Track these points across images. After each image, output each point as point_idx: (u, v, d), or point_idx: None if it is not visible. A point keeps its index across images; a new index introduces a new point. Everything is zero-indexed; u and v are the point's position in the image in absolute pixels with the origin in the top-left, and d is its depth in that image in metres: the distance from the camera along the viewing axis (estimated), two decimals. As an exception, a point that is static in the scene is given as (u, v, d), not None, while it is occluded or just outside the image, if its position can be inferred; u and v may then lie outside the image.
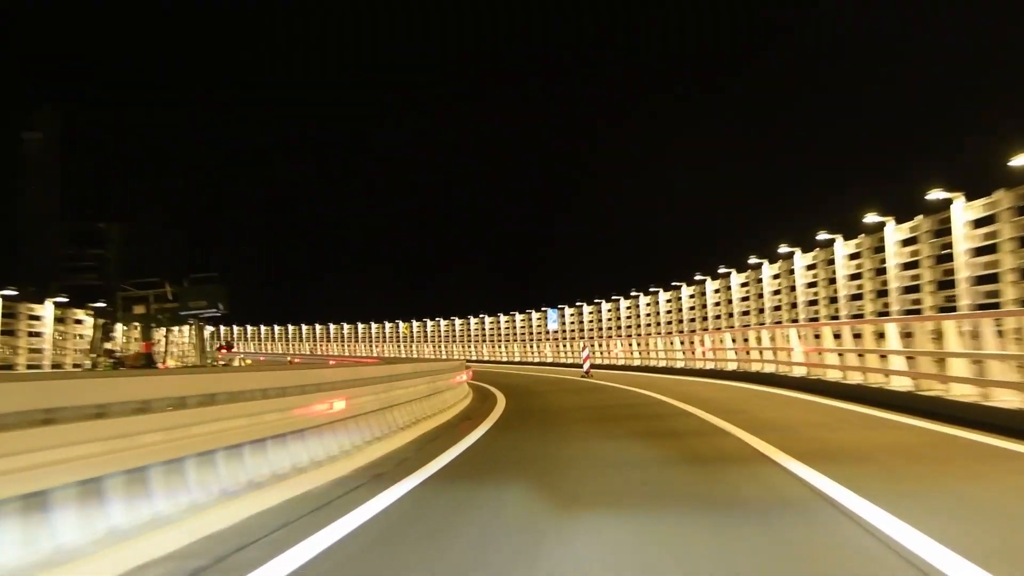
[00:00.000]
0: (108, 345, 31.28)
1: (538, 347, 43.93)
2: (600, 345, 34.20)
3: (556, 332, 44.40)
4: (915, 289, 14.48)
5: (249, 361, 46.58)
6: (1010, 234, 11.61)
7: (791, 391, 14.48)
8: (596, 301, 38.89)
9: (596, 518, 5.03)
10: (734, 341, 20.37)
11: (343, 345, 71.58)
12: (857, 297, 16.81)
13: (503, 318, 51.94)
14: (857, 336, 13.20)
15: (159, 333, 35.87)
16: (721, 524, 4.77)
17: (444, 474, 6.86)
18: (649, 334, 31.43)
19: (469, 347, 53.54)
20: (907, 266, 14.75)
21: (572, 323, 42.85)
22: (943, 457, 7.02)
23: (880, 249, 15.68)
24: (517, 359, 44.90)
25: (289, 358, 59.37)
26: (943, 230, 13.46)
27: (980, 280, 12.49)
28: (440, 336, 59.85)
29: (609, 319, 37.57)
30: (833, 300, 17.93)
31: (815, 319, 18.18)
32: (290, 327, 79.69)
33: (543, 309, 46.56)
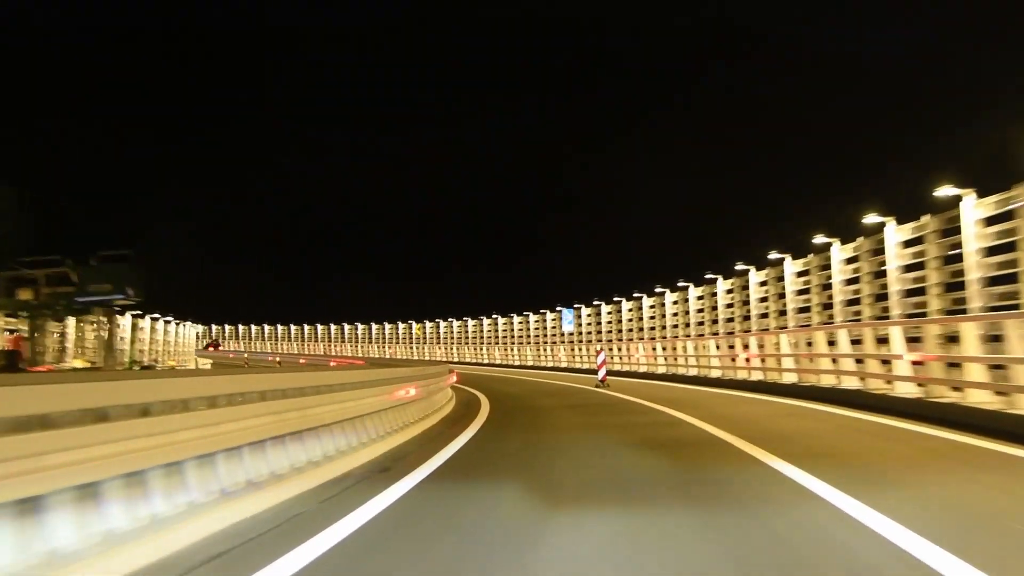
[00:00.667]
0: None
1: (551, 351, 40.04)
2: (619, 349, 29.96)
3: (572, 334, 40.64)
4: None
5: (174, 363, 42.28)
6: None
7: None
8: (616, 300, 34.73)
9: None
10: (799, 345, 15.86)
11: (333, 346, 70.90)
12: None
13: (516, 319, 48.76)
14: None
15: (56, 324, 30.59)
16: None
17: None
18: (675, 336, 27.15)
19: (481, 350, 50.89)
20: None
21: (589, 324, 38.74)
22: None
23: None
24: (530, 363, 41.77)
25: (272, 358, 57.75)
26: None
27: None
28: (452, 338, 57.92)
29: (630, 319, 33.33)
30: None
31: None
32: (291, 327, 79.64)
33: (558, 309, 42.57)
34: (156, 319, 51.13)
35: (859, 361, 12.62)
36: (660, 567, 3.89)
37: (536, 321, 46.17)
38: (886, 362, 11.59)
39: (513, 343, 47.93)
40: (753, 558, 3.98)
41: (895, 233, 14.73)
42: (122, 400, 4.22)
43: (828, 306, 18.36)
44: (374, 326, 67.22)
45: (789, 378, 15.32)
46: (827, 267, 18.22)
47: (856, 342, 12.86)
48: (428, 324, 60.96)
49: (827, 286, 18.32)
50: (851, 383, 12.76)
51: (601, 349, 22.44)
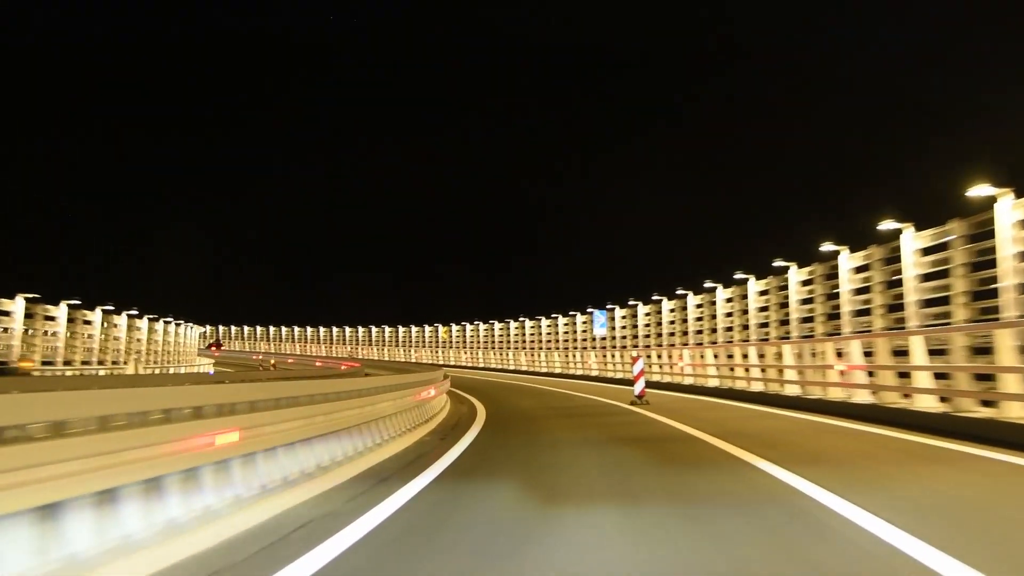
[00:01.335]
0: None
1: (581, 356, 35.11)
2: (658, 356, 25.21)
3: (603, 339, 35.53)
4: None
5: (134, 366, 38.38)
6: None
7: None
8: (655, 299, 29.91)
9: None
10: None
11: (335, 347, 70.21)
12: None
13: (545, 322, 43.92)
14: None
15: None
16: None
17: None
18: (728, 341, 22.36)
19: (506, 355, 46.66)
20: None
21: (623, 327, 33.95)
22: None
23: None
24: (557, 370, 36.85)
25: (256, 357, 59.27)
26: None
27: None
28: (479, 342, 53.27)
29: (671, 320, 28.48)
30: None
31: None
32: (295, 328, 79.45)
33: (588, 310, 37.71)
34: (154, 319, 47.60)
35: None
36: None
37: (565, 324, 41.29)
38: None
39: (540, 348, 43.32)
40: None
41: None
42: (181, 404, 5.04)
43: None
44: (374, 329, 67.24)
45: (925, 402, 10.58)
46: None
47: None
48: (455, 327, 56.89)
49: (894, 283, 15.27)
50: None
51: (639, 356, 17.75)
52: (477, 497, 6.17)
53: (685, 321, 27.09)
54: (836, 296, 16.91)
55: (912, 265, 13.53)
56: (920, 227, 13.60)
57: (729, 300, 23.18)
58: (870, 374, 12.51)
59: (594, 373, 31.38)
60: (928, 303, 13.26)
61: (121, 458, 4.12)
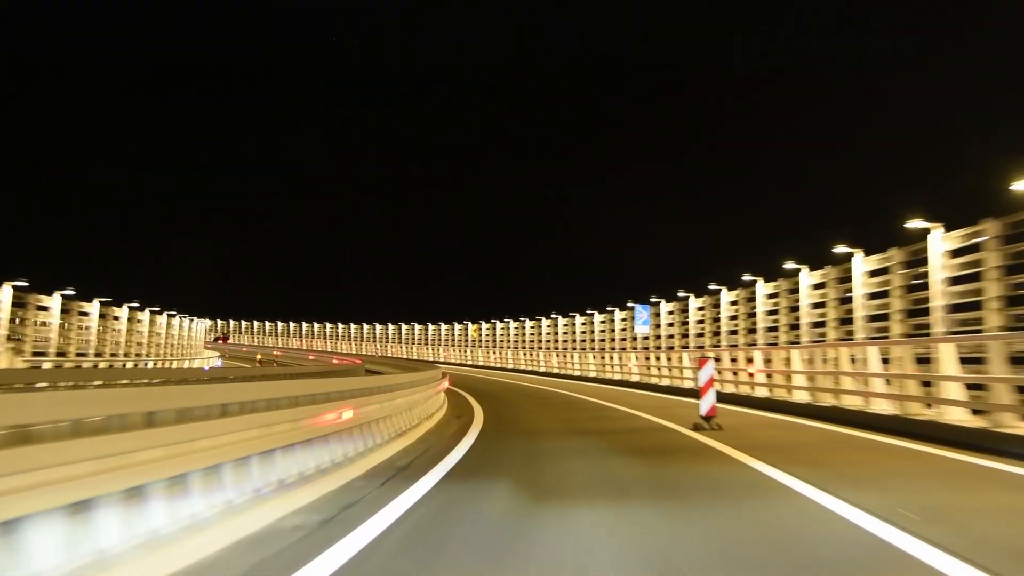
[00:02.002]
0: None
1: (620, 359, 30.51)
2: (718, 360, 19.98)
3: (646, 338, 31.43)
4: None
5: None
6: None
7: None
8: (713, 289, 24.91)
9: None
10: None
11: (341, 343, 70.54)
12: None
13: (579, 320, 39.53)
14: None
15: None
16: None
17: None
18: (819, 341, 17.31)
19: (536, 356, 42.49)
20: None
21: (670, 323, 29.06)
22: None
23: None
24: (591, 373, 32.54)
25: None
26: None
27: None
28: (508, 341, 49.68)
29: (733, 316, 23.45)
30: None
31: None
32: (302, 324, 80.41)
33: (629, 306, 33.01)
34: (156, 312, 44.61)
35: None
36: None
37: (602, 322, 36.56)
38: None
39: (572, 348, 39.07)
40: None
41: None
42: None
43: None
44: (378, 327, 68.14)
45: None
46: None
47: None
48: (484, 326, 53.59)
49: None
50: None
51: (706, 359, 12.67)
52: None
53: (752, 316, 22.06)
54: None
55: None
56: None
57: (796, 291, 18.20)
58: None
59: (635, 378, 26.57)
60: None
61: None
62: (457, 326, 58.10)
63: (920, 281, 13.90)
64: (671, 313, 29.29)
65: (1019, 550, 4.48)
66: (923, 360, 11.36)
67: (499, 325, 51.62)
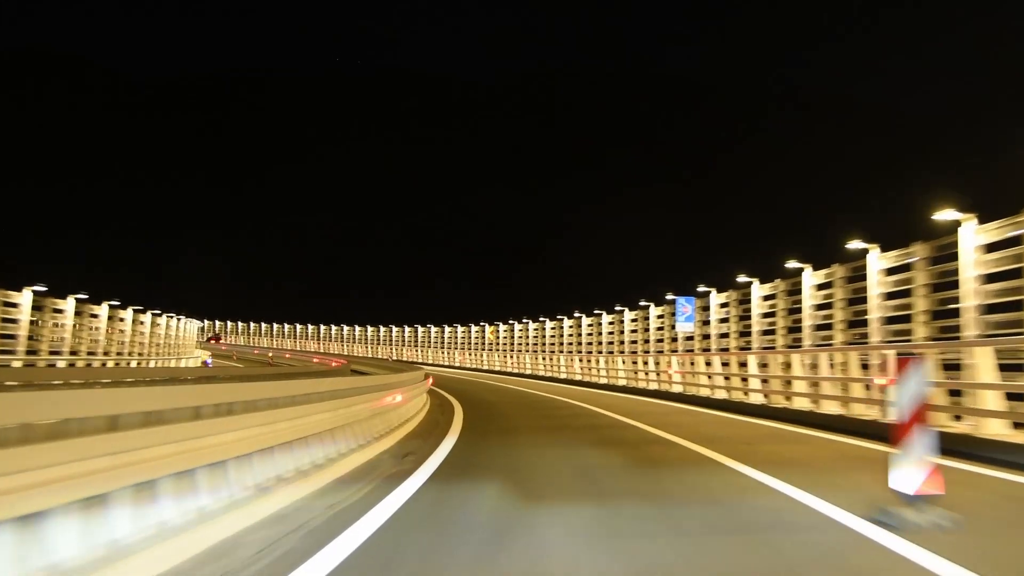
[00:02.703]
0: None
1: (655, 364, 24.53)
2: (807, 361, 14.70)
3: (689, 337, 25.79)
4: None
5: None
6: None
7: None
8: (795, 268, 18.92)
9: None
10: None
11: (346, 346, 70.46)
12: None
13: (607, 319, 34.24)
14: None
15: None
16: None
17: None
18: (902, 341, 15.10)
19: (556, 362, 36.64)
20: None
21: (723, 319, 27.01)
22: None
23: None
24: (621, 381, 26.52)
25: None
26: None
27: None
28: (528, 344, 45.92)
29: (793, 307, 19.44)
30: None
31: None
32: (296, 326, 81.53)
33: (668, 298, 27.40)
34: (139, 310, 43.37)
35: None
36: None
37: (634, 319, 31.54)
38: None
39: (600, 350, 34.26)
40: None
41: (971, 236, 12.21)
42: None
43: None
44: (370, 329, 68.81)
45: None
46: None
47: None
48: (502, 327, 49.20)
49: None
50: None
51: (910, 357, 5.48)
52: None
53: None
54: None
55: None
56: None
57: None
58: None
59: (676, 389, 21.29)
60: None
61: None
62: (447, 328, 57.88)
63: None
64: (725, 306, 26.94)
65: None
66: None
67: (488, 328, 50.43)
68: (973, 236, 11.77)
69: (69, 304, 31.62)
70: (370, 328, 68.88)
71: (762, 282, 21.25)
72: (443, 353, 55.63)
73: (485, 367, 45.87)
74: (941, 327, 13.37)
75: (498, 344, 48.53)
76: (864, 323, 15.93)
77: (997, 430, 8.84)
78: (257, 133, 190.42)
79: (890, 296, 15.02)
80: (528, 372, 39.04)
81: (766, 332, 20.69)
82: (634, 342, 31.12)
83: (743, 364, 17.47)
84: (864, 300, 15.67)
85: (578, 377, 31.75)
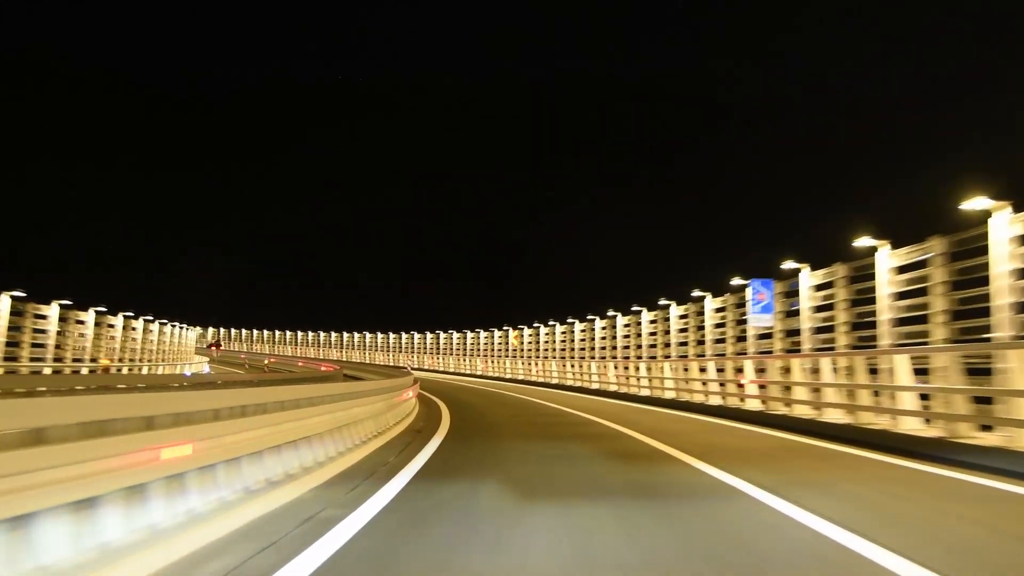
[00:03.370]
0: None
1: (716, 372, 18.51)
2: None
3: (768, 335, 19.00)
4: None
5: (107, 362, 36.19)
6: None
7: None
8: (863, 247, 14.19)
9: None
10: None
11: (345, 352, 70.54)
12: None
13: (646, 316, 27.99)
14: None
15: None
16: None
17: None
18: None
19: (627, 369, 27.38)
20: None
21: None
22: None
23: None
24: (702, 400, 18.60)
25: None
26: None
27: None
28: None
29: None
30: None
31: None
32: (298, 332, 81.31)
33: (737, 282, 20.21)
34: (128, 317, 42.54)
35: None
36: None
37: (683, 313, 24.93)
38: None
39: (614, 355, 30.45)
40: None
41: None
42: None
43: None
44: (367, 335, 69.30)
45: None
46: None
47: None
48: (511, 332, 45.71)
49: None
50: None
51: None
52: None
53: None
54: None
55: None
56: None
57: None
58: None
59: (751, 405, 16.10)
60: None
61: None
62: (442, 335, 57.99)
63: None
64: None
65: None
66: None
67: (483, 334, 49.75)
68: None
69: (53, 310, 30.80)
70: (368, 334, 69.81)
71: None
72: (453, 359, 54.42)
73: (492, 374, 43.96)
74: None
75: (522, 351, 43.42)
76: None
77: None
78: (258, 132, 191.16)
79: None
80: (539, 380, 36.16)
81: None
82: (652, 345, 27.42)
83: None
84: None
85: (613, 388, 26.75)
